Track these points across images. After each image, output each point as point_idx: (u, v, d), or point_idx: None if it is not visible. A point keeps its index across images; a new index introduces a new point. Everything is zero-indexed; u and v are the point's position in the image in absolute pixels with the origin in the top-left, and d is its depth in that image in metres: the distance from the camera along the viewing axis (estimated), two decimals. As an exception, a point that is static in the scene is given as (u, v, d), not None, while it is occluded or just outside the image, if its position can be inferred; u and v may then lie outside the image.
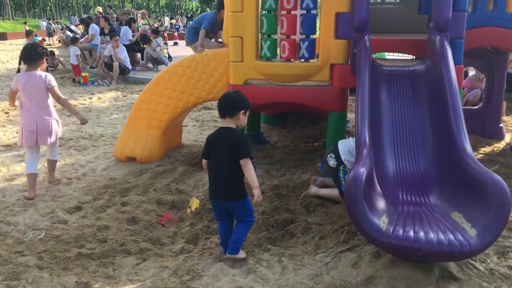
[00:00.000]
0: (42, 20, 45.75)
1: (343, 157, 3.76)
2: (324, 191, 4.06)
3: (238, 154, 3.03)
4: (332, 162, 3.84)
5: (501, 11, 4.76)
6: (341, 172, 3.77)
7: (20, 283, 2.91)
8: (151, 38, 13.57)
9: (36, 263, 3.17)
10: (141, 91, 5.50)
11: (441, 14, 3.85)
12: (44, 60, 4.55)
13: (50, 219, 3.90)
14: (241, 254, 3.18)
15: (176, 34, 25.16)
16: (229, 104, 3.15)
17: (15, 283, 2.90)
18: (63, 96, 4.65)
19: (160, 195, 4.32)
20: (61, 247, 3.39)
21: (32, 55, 4.40)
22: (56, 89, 4.51)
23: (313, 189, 4.10)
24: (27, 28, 29.69)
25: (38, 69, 4.44)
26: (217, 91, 4.91)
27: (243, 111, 3.14)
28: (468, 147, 3.09)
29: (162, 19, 27.14)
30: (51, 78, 4.47)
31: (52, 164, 4.73)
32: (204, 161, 3.27)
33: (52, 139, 4.58)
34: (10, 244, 3.45)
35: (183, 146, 5.87)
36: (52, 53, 14.16)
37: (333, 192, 3.96)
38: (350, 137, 4.05)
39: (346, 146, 3.84)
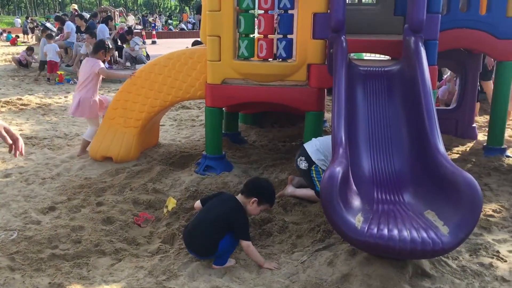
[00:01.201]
0: (17, 17, 44.89)
1: (313, 157, 3.81)
2: (300, 192, 4.08)
3: (235, 233, 3.04)
4: (303, 165, 3.87)
5: (474, 13, 4.85)
6: (314, 172, 3.81)
7: (-9, 285, 2.85)
8: (127, 38, 13.41)
9: (8, 264, 3.10)
10: (118, 90, 5.44)
11: (416, 16, 3.90)
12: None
13: (23, 220, 3.82)
14: (229, 262, 3.14)
15: (154, 33, 24.95)
16: (250, 184, 3.23)
17: (-14, 285, 2.84)
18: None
19: (137, 195, 4.28)
20: (33, 248, 3.33)
21: None
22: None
23: (290, 189, 4.12)
24: None
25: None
26: (195, 90, 4.89)
27: (257, 199, 3.13)
28: (441, 147, 3.15)
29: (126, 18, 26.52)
30: None
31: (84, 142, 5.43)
32: (198, 203, 3.33)
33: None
34: (-19, 246, 3.37)
35: (160, 145, 5.83)
36: (31, 48, 13.92)
37: (309, 192, 3.99)
38: (316, 138, 4.09)
39: (312, 146, 3.91)
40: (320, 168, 3.75)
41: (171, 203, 4.02)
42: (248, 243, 3.06)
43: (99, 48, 5.59)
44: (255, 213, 3.27)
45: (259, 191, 3.18)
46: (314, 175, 3.80)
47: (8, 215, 3.90)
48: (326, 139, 3.87)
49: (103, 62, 5.67)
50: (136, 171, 4.87)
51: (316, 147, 3.85)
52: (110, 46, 5.75)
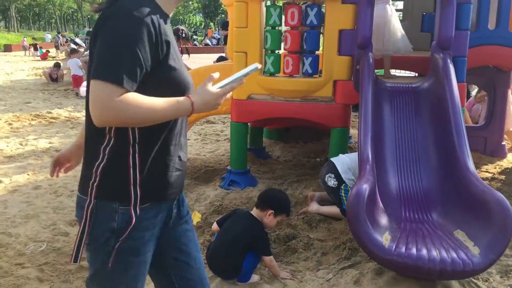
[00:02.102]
0: (47, 33, 46.24)
1: (343, 176, 3.75)
2: (325, 209, 4.03)
3: (258, 251, 3.04)
4: (332, 182, 3.81)
5: (503, 30, 4.79)
6: (343, 191, 3.77)
7: (21, 296, 2.90)
8: None
9: (37, 275, 3.16)
10: (145, 104, 5.53)
11: (444, 33, 3.88)
12: None
13: (52, 231, 3.89)
14: (253, 279, 3.11)
15: (180, 48, 25.33)
16: (264, 197, 3.21)
17: (16, 296, 2.89)
18: None
19: (162, 209, 4.31)
20: (62, 260, 3.38)
21: None
22: None
23: (314, 206, 4.07)
24: (26, 42, 30.02)
25: None
26: (220, 105, 4.93)
27: (272, 212, 3.12)
28: (471, 165, 3.10)
29: None
30: None
31: None
32: (214, 225, 3.31)
33: None
34: (11, 256, 3.44)
35: (185, 159, 5.87)
36: (58, 64, 14.27)
37: (334, 209, 3.94)
38: (343, 154, 4.05)
39: (343, 164, 3.84)
40: (350, 187, 3.70)
41: (196, 217, 4.04)
42: (271, 258, 3.06)
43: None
44: (272, 225, 3.23)
45: (274, 203, 3.15)
46: (343, 194, 3.76)
47: (37, 227, 3.98)
48: (355, 157, 3.81)
49: (180, 49, 5.72)
50: (161, 185, 4.90)
51: (347, 165, 3.78)
52: (184, 35, 5.76)
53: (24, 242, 3.70)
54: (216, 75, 1.65)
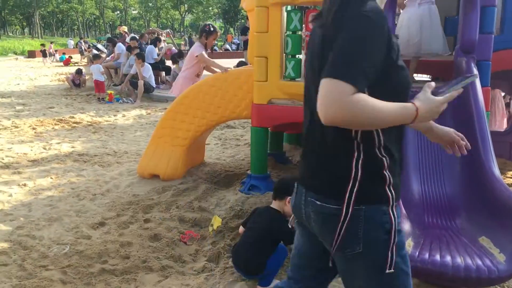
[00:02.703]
0: (70, 39, 47.06)
1: None
2: None
3: (281, 241, 3.09)
4: None
5: (528, 33, 4.71)
6: None
7: (44, 297, 2.95)
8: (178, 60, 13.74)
9: (60, 277, 3.21)
10: (165, 109, 5.59)
11: (468, 37, 3.83)
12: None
13: (75, 234, 3.95)
14: (274, 284, 3.12)
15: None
16: (279, 186, 3.23)
17: (40, 297, 2.94)
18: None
19: (183, 213, 4.34)
20: (84, 262, 3.43)
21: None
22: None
23: None
24: (52, 49, 30.51)
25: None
26: (241, 110, 4.95)
27: (290, 198, 3.14)
28: (496, 170, 3.04)
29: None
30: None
31: None
32: (241, 228, 3.36)
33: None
34: (35, 258, 3.50)
35: (205, 164, 5.91)
36: (80, 71, 14.51)
37: None
38: None
39: None
40: None
41: (217, 222, 4.05)
42: None
43: (201, 32, 5.83)
44: (290, 212, 3.22)
45: (289, 189, 3.15)
46: None
47: (60, 229, 4.04)
48: None
49: (206, 46, 5.87)
50: (182, 189, 4.94)
51: None
52: (211, 29, 5.89)
53: (48, 244, 3.76)
54: (433, 84, 1.66)
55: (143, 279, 3.25)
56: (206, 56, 5.71)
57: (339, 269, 1.74)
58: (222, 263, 3.47)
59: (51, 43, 35.60)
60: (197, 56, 5.77)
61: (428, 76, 5.68)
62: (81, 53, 28.66)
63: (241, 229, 3.36)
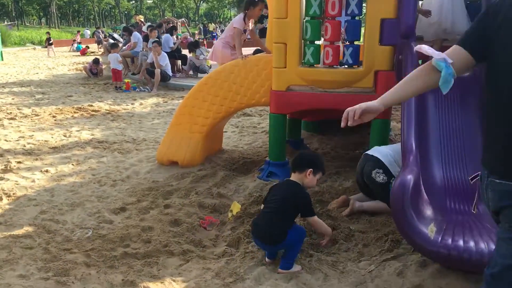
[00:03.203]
0: (86, 29, 47.34)
1: (392, 170, 3.64)
2: (369, 204, 3.94)
3: (300, 212, 3.13)
4: (381, 178, 3.68)
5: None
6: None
7: (69, 279, 3.00)
8: (200, 45, 13.74)
9: (84, 260, 3.26)
10: (182, 97, 5.62)
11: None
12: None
13: (97, 219, 4.01)
14: (295, 268, 3.13)
15: (214, 42, 25.47)
16: (299, 159, 3.23)
17: (65, 279, 2.99)
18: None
19: (202, 199, 4.37)
20: (107, 246, 3.48)
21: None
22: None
23: (357, 204, 3.92)
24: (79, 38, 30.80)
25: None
26: (259, 96, 4.95)
27: (311, 170, 3.15)
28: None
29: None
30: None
31: None
32: (262, 206, 3.36)
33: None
34: (59, 242, 3.56)
35: (223, 151, 5.93)
36: (97, 60, 14.61)
37: (379, 204, 3.86)
38: (380, 147, 3.96)
39: (388, 156, 3.71)
40: None
41: (236, 208, 4.07)
42: (314, 218, 3.15)
43: (246, 4, 5.70)
44: (313, 184, 3.25)
45: (310, 161, 3.19)
46: None
47: (83, 214, 4.10)
48: (398, 148, 3.69)
49: (245, 18, 5.68)
50: (200, 176, 4.98)
51: (392, 158, 3.67)
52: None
53: (71, 228, 3.83)
54: None
55: (165, 263, 3.29)
56: (239, 32, 5.57)
57: None
58: (242, 248, 3.49)
59: (78, 32, 36.03)
60: (234, 27, 5.68)
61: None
62: (99, 42, 28.79)
63: (262, 206, 3.38)
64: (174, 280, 3.04)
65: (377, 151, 3.86)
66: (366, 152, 3.96)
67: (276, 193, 3.20)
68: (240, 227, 3.83)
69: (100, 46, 27.12)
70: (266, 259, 3.22)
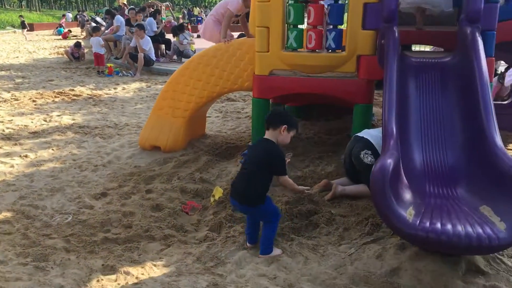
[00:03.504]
0: (68, 12, 46.42)
1: (379, 151, 3.66)
2: (351, 189, 3.96)
3: (273, 171, 3.10)
4: (369, 159, 3.72)
5: (534, 3, 4.63)
6: None
7: (48, 265, 2.98)
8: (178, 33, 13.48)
9: (63, 246, 3.24)
10: (165, 82, 5.54)
11: (473, 6, 3.75)
12: None
13: (77, 204, 3.97)
14: (276, 252, 3.15)
15: (199, 26, 25.20)
16: (274, 116, 3.20)
17: (44, 265, 2.97)
18: None
19: (184, 184, 4.36)
20: (87, 231, 3.46)
21: None
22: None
23: (339, 188, 3.95)
24: (64, 22, 30.18)
25: None
26: (242, 81, 4.91)
27: (286, 126, 3.13)
28: (499, 141, 3.03)
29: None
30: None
31: None
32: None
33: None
34: (38, 227, 3.53)
35: (206, 136, 5.90)
36: (78, 44, 14.36)
37: (361, 188, 3.89)
38: (370, 130, 3.98)
39: (377, 138, 3.72)
40: None
41: (218, 193, 4.07)
42: (285, 177, 3.14)
43: None
44: (287, 141, 3.20)
45: (284, 119, 3.16)
46: None
47: (63, 199, 4.06)
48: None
49: (247, 6, 5.49)
50: (183, 161, 4.95)
51: (381, 140, 3.71)
52: None
53: (51, 214, 3.79)
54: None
55: (146, 248, 3.29)
56: (231, 15, 5.44)
57: None
58: (224, 233, 3.50)
59: (64, 15, 35.25)
60: (228, 8, 5.49)
61: (432, 48, 5.63)
62: (82, 25, 28.25)
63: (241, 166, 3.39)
64: (154, 265, 3.03)
65: (367, 133, 3.90)
66: (357, 134, 3.99)
67: (252, 153, 3.19)
68: (222, 211, 3.84)
69: (83, 29, 26.63)
70: (247, 244, 3.23)
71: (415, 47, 7.05)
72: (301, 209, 3.73)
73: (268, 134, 3.17)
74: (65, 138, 5.97)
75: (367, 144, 3.79)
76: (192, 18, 32.96)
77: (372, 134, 3.86)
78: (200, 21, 29.98)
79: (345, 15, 4.57)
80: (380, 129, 3.90)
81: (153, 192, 4.22)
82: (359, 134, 3.95)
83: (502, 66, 7.71)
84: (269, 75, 4.56)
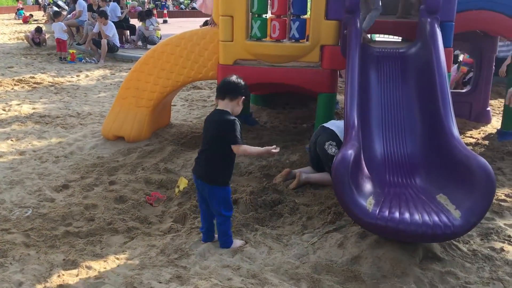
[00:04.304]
0: (28, -5, 44.70)
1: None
2: (315, 177, 4.01)
3: (228, 140, 2.95)
4: (333, 150, 3.77)
5: (491, -6, 4.75)
6: None
7: (7, 260, 2.91)
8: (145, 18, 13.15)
9: (23, 240, 3.17)
10: (130, 69, 5.45)
11: (432, -3, 3.83)
12: None
13: (37, 197, 3.88)
14: (237, 243, 3.15)
15: (165, 12, 24.78)
16: (232, 86, 3.07)
17: (2, 261, 2.90)
18: None
19: (148, 174, 4.32)
20: (48, 225, 3.39)
21: None
22: None
23: (303, 176, 3.99)
24: (21, 5, 29.02)
25: None
26: (207, 70, 4.88)
27: (243, 98, 3.08)
28: (455, 130, 3.12)
29: None
30: None
31: None
32: None
33: None
34: (-3, 222, 3.44)
35: (171, 125, 5.85)
36: (39, 29, 13.90)
37: (325, 177, 3.94)
38: (336, 121, 4.04)
39: (342, 129, 3.77)
40: None
41: (183, 183, 4.05)
42: (240, 147, 2.95)
43: None
44: (239, 110, 3.11)
45: (243, 90, 3.06)
46: None
47: (22, 193, 3.96)
48: None
49: None
50: (148, 151, 4.90)
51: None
52: None
53: (10, 208, 3.69)
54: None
55: (109, 241, 3.25)
56: None
57: None
58: (188, 224, 3.50)
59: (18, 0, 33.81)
60: None
61: (393, 36, 5.71)
62: (44, 9, 27.25)
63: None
64: (117, 258, 3.01)
65: (334, 124, 3.96)
66: (323, 124, 4.03)
67: (207, 128, 3.08)
68: (187, 202, 3.83)
69: (46, 13, 25.73)
70: (202, 241, 3.18)
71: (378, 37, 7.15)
72: (266, 199, 3.76)
73: (223, 105, 3.04)
74: (25, 128, 5.80)
75: (332, 135, 3.84)
76: (157, 3, 32.32)
77: (338, 125, 3.91)
78: (165, 6, 29.45)
79: (309, 4, 4.59)
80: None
81: (116, 183, 4.16)
82: (326, 125, 4.00)
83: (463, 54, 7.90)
84: (233, 64, 4.54)
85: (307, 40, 4.47)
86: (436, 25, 3.77)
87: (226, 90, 3.06)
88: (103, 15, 11.40)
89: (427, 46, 3.69)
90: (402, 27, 4.46)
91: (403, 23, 4.43)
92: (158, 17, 20.31)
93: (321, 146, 3.88)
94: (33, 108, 6.77)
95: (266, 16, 4.56)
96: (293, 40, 4.50)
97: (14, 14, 27.65)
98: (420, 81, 3.67)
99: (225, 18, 4.40)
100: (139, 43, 13.26)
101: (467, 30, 4.95)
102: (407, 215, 2.65)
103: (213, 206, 3.05)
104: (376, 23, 4.45)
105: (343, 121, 4.01)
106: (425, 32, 3.81)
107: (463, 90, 6.38)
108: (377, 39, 7.85)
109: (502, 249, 3.03)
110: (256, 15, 4.48)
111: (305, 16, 4.58)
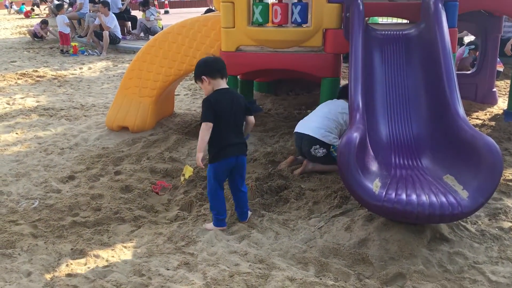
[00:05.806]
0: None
1: (327, 141, 3.83)
2: (321, 166, 3.99)
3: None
4: (321, 152, 3.86)
5: (496, -27, 4.67)
6: (334, 152, 3.80)
7: (15, 251, 2.92)
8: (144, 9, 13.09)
9: (30, 231, 3.18)
10: (132, 59, 5.42)
11: (436, -24, 3.77)
12: None
13: (44, 189, 3.89)
14: (207, 226, 3.20)
15: (166, 2, 24.66)
16: (195, 70, 3.18)
17: (10, 251, 2.91)
18: None
19: (154, 164, 4.31)
20: (55, 216, 3.40)
21: None
22: None
23: (309, 166, 3.98)
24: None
25: None
26: (209, 58, 4.84)
27: (207, 77, 3.13)
28: (461, 110, 3.09)
29: None
30: None
31: None
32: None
33: None
34: (4, 214, 3.45)
35: (175, 115, 5.84)
36: (46, 21, 13.86)
37: (331, 165, 3.92)
38: (308, 121, 4.05)
39: (319, 129, 3.86)
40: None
41: (188, 171, 4.02)
42: (202, 126, 3.17)
43: None
44: (210, 89, 3.17)
45: (197, 69, 3.14)
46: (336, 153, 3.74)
47: (29, 184, 3.97)
48: (325, 109, 3.99)
49: None
50: (152, 141, 4.89)
51: (323, 128, 3.86)
52: None
53: (16, 199, 3.70)
54: None
55: (116, 230, 3.26)
56: None
57: None
58: (195, 211, 3.50)
59: None
60: None
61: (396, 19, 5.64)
62: (37, 4, 27.11)
63: None
64: (125, 247, 3.01)
65: (307, 128, 3.96)
66: (296, 131, 4.04)
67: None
68: (192, 190, 3.83)
69: (44, 7, 25.64)
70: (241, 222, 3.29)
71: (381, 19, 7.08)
72: (271, 184, 3.75)
73: (224, 83, 3.17)
74: (30, 121, 5.81)
75: (311, 140, 3.88)
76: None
77: (311, 127, 3.93)
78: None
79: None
80: (316, 115, 3.95)
81: (122, 173, 4.16)
82: (299, 131, 4.00)
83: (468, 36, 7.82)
84: (236, 51, 4.51)
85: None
86: (440, 5, 3.71)
87: (223, 69, 3.16)
88: (105, 4, 11.37)
89: (431, 26, 3.64)
90: (406, 9, 4.39)
91: (406, 4, 4.37)
92: (159, 8, 20.21)
93: (309, 154, 3.93)
94: (37, 101, 6.78)
95: (267, 1, 4.50)
96: (295, 25, 4.45)
97: (9, 9, 27.43)
98: (425, 62, 3.63)
99: (226, 4, 4.36)
100: (141, 34, 13.20)
101: (471, 10, 4.87)
102: (414, 197, 2.63)
103: (244, 175, 3.24)
104: (379, 6, 4.40)
105: (313, 117, 4.02)
106: (429, 13, 3.75)
107: (469, 72, 6.31)
108: (380, 21, 7.78)
109: (510, 229, 3.01)
110: (257, 0, 4.43)
111: (307, 0, 4.53)
